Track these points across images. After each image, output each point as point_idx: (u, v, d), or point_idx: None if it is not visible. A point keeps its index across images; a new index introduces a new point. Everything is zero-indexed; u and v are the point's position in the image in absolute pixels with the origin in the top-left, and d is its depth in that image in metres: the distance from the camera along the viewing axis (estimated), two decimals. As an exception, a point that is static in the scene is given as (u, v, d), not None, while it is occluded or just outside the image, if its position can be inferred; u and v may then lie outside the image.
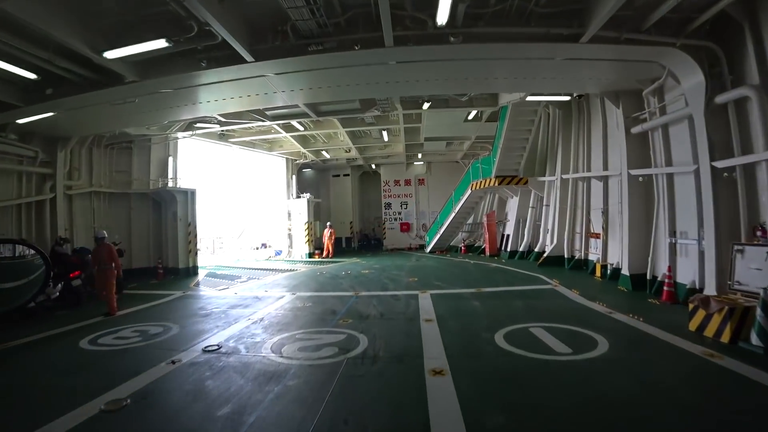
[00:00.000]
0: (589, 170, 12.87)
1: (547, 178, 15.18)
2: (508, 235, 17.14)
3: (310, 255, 20.17)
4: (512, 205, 17.46)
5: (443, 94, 13.06)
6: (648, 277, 9.49)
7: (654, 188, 9.62)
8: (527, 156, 15.61)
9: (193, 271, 14.87)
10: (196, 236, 15.25)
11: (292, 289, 11.12)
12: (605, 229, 11.57)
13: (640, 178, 9.98)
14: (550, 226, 14.67)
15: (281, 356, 5.54)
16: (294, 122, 15.29)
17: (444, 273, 13.10)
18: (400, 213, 26.24)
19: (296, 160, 21.85)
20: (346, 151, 21.75)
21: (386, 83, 9.19)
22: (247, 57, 7.35)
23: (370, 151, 22.26)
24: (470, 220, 21.38)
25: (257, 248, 23.71)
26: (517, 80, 9.38)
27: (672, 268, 8.67)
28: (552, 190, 14.99)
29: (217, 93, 9.61)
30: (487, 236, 17.84)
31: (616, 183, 11.19)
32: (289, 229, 20.92)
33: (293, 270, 15.06)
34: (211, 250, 26.09)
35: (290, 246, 20.97)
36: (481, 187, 16.97)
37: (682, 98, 8.22)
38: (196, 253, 15.20)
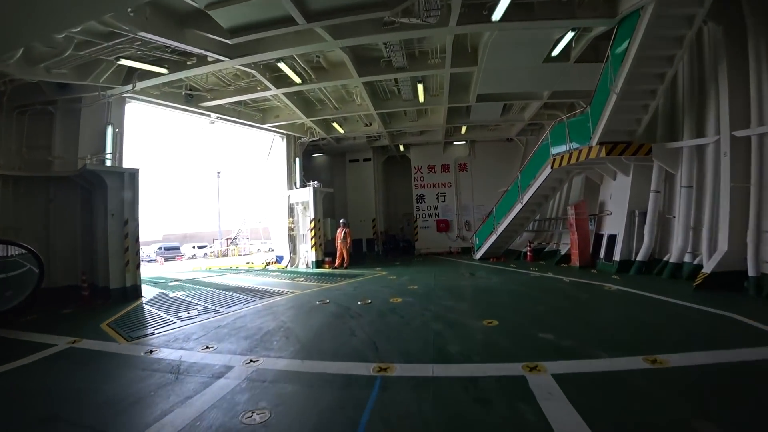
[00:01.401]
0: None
1: (688, 143, 9.32)
2: (612, 236, 11.29)
3: (319, 264, 14.85)
4: (615, 190, 11.61)
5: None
6: None
7: None
8: (655, 108, 9.73)
9: (131, 292, 9.74)
10: (137, 240, 10.13)
11: (257, 347, 5.65)
12: None
13: None
14: (704, 222, 8.84)
15: None
16: (282, 65, 9.97)
17: (537, 306, 7.35)
18: (436, 207, 20.69)
19: (300, 137, 16.54)
20: (366, 125, 16.33)
21: None
22: None
23: (397, 123, 16.76)
24: (537, 215, 15.61)
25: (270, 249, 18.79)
26: None
27: None
28: (694, 161, 9.19)
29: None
30: (575, 238, 12.04)
31: None
32: (291, 229, 15.65)
33: (284, 293, 9.66)
34: (222, 253, 21.20)
35: (292, 251, 15.70)
36: (571, 162, 11.18)
37: None
38: (138, 266, 10.06)
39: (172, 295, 9.92)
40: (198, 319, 7.32)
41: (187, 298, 9.33)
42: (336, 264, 14.55)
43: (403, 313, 7.01)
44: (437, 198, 20.68)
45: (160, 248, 49.06)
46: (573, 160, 11.00)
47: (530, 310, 6.90)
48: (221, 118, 13.72)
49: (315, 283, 10.87)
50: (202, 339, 6.10)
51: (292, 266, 15.51)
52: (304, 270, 14.47)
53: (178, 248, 50.07)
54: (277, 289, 9.98)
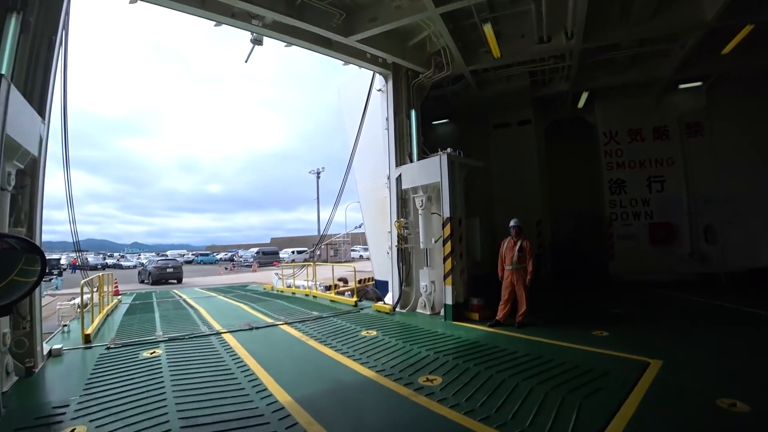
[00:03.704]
0: None
1: None
2: None
3: (459, 310, 7.31)
4: None
5: None
6: None
7: None
8: None
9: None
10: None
11: None
12: None
13: None
14: None
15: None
16: None
17: None
18: (646, 202, 11.92)
19: (419, 74, 9.20)
20: (542, 39, 8.50)
21: None
22: None
23: (608, 28, 8.55)
24: None
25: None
26: None
27: None
28: None
29: None
30: None
31: None
32: (404, 239, 8.32)
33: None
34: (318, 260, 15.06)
35: (404, 280, 8.34)
36: None
37: None
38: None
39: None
40: None
41: None
42: (500, 315, 6.81)
43: None
44: (648, 185, 11.87)
45: (257, 252, 46.29)
46: None
47: None
48: (267, 29, 7.09)
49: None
50: None
51: (403, 309, 8.21)
52: (427, 326, 6.99)
53: (276, 253, 46.75)
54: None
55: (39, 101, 5.31)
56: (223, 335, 6.54)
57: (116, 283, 17.30)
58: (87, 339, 6.24)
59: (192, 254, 65.77)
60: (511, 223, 6.91)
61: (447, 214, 7.22)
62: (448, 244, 7.15)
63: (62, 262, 35.65)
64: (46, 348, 5.50)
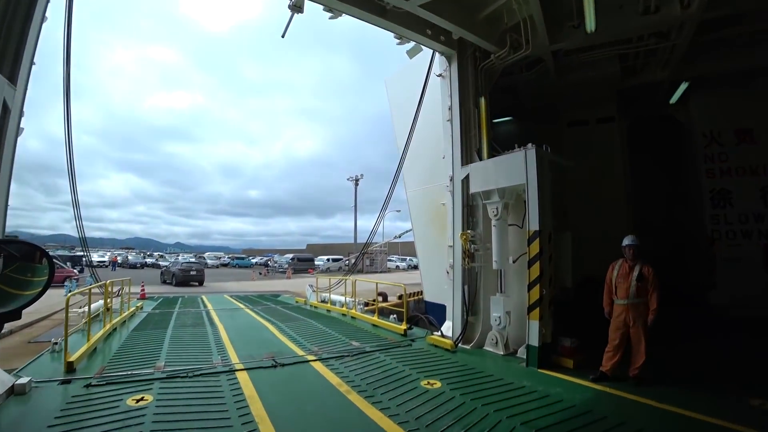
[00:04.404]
0: None
1: None
2: None
3: (546, 353, 5.50)
4: None
5: None
6: None
7: None
8: None
9: None
10: None
11: None
12: None
13: None
14: None
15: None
16: None
17: None
18: (760, 218, 9.70)
19: (491, 54, 7.54)
20: (648, 9, 6.65)
21: None
22: None
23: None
24: None
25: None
26: None
27: None
28: None
29: None
30: None
31: None
32: (470, 255, 6.62)
33: None
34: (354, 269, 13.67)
35: (467, 308, 6.62)
36: None
37: None
38: None
39: None
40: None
41: None
42: (606, 366, 4.98)
43: None
44: (763, 198, 9.65)
45: (292, 258, 45.45)
46: None
47: None
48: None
49: None
50: None
51: (466, 344, 6.51)
52: (506, 375, 5.24)
53: (311, 260, 45.79)
54: None
55: (12, 63, 4.04)
56: (237, 374, 5.06)
57: (143, 285, 16.51)
58: (70, 367, 4.94)
59: (228, 257, 66.96)
60: (626, 242, 5.12)
61: (535, 226, 5.49)
62: (536, 265, 5.41)
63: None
64: (8, 382, 4.20)
